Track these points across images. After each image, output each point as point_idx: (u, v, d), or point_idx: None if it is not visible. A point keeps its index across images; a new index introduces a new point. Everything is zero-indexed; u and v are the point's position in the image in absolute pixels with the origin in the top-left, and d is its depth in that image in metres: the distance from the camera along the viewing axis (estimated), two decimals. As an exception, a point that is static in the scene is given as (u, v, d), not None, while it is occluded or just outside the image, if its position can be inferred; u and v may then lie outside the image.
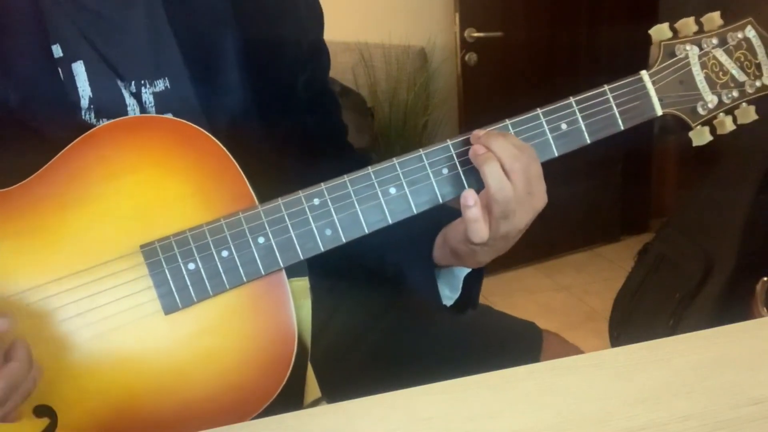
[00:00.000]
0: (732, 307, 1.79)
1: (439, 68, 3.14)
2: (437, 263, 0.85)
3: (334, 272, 0.94)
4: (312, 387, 0.81)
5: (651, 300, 2.08)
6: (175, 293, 0.72)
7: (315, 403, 0.80)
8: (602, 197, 3.32)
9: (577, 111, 0.78)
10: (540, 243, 2.97)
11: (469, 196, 0.73)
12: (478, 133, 0.75)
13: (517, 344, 0.94)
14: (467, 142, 0.76)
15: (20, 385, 0.66)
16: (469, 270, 0.85)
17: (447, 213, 0.81)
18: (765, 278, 1.71)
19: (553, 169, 0.78)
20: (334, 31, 1.00)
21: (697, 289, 1.90)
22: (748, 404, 0.59)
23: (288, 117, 0.92)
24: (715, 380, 0.63)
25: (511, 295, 2.92)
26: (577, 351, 0.93)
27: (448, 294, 0.87)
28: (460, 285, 0.86)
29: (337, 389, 0.80)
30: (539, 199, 0.75)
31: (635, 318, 2.11)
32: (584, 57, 3.14)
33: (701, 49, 0.81)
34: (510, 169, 0.72)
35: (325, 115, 0.98)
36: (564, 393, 0.63)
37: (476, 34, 2.92)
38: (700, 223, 2.03)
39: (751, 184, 1.90)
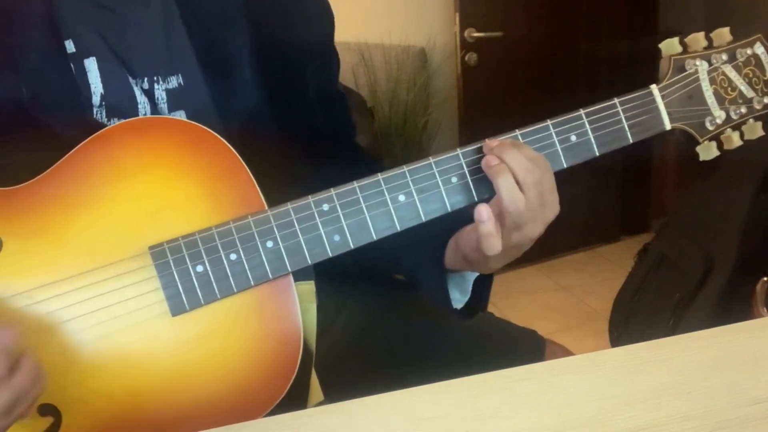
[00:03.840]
0: (732, 307, 1.79)
1: (439, 68, 3.14)
2: (449, 267, 0.84)
3: (339, 274, 0.94)
4: (315, 390, 0.81)
5: (651, 300, 2.07)
6: (183, 295, 0.72)
7: (318, 406, 0.80)
8: (602, 197, 3.32)
9: (586, 123, 0.78)
10: (540, 243, 2.95)
11: (483, 211, 0.72)
12: (491, 143, 0.74)
13: (519, 352, 0.94)
14: (477, 151, 0.75)
15: (26, 396, 0.66)
16: (478, 274, 0.85)
17: (460, 218, 0.80)
18: (765, 278, 1.71)
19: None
20: (335, 31, 1.01)
21: (696, 289, 1.90)
22: (748, 404, 0.60)
23: (299, 118, 0.91)
24: (715, 380, 0.63)
25: (511, 295, 2.92)
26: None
27: (458, 297, 0.86)
28: (470, 288, 0.85)
29: (339, 391, 0.79)
30: (551, 210, 0.75)
31: (635, 318, 2.11)
32: (584, 57, 3.14)
33: (710, 64, 0.81)
34: (523, 182, 0.72)
35: (335, 116, 0.98)
36: (564, 393, 0.63)
37: (476, 34, 2.92)
38: (700, 223, 2.03)
39: (750, 184, 1.90)
